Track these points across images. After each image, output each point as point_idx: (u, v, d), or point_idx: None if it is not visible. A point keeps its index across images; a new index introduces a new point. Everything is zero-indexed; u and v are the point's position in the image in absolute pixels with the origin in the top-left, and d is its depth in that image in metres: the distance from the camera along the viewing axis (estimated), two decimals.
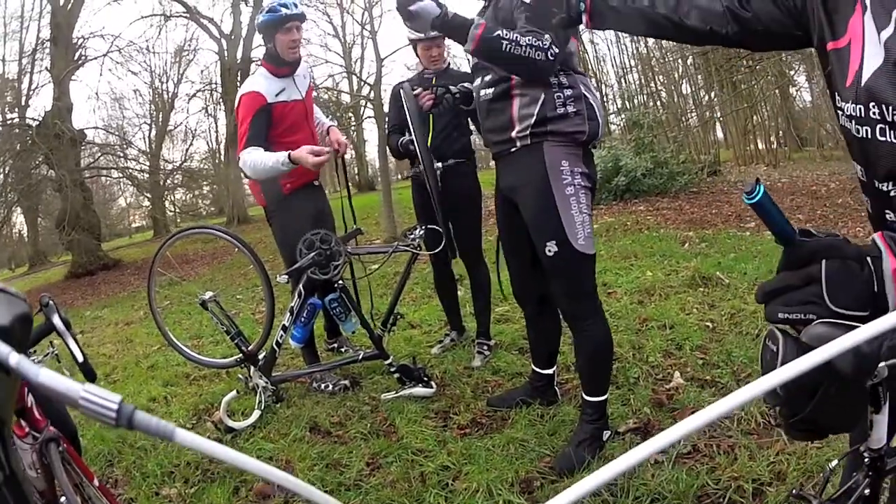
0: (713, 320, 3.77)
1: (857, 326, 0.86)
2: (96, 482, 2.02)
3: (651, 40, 14.11)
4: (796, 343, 0.88)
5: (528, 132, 2.36)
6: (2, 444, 0.60)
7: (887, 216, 1.03)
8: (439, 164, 3.41)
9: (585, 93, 2.37)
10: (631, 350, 3.42)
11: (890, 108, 0.92)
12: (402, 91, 3.20)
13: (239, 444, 3.04)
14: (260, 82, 3.33)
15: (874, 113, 0.94)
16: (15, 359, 0.46)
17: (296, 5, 3.30)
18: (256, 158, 3.13)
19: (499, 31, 2.19)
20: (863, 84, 0.95)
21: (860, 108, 0.97)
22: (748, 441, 2.36)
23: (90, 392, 0.45)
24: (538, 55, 2.19)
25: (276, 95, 3.29)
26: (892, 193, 0.98)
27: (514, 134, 2.40)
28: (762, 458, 2.25)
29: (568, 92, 2.33)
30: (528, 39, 2.18)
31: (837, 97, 1.05)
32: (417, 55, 3.73)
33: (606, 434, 2.51)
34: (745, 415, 2.54)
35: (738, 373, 3.01)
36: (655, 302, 4.30)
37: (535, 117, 2.34)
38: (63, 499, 2.11)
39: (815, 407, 0.76)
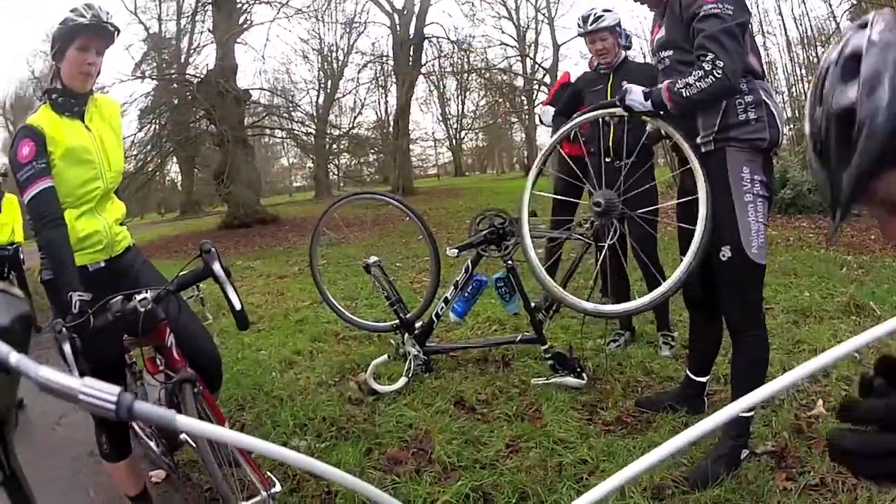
0: (860, 352, 3.53)
1: None
2: (227, 426, 2.12)
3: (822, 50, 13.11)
4: None
5: (711, 138, 2.37)
6: (2, 444, 0.61)
7: None
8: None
9: (766, 99, 2.33)
10: (781, 370, 3.27)
11: None
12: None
13: (380, 407, 3.16)
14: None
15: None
16: (15, 358, 0.49)
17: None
18: None
19: (676, 83, 2.28)
20: None
21: None
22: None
23: (89, 386, 0.48)
24: (710, 81, 2.19)
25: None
26: None
27: (698, 140, 2.41)
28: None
29: (749, 98, 2.32)
30: (693, 76, 2.22)
31: None
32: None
33: (745, 453, 2.47)
34: None
35: None
36: (810, 324, 4.10)
37: (717, 126, 2.35)
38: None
39: None
